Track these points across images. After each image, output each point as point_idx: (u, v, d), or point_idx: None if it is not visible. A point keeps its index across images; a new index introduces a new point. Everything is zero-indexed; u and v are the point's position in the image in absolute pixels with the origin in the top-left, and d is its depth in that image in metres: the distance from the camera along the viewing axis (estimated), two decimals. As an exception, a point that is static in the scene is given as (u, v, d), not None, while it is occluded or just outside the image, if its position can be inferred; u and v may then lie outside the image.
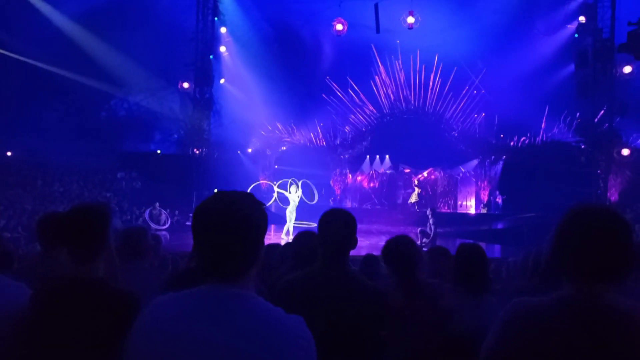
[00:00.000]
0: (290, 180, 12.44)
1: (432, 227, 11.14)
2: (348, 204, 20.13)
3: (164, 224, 14.64)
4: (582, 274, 1.12)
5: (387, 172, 21.59)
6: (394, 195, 21.30)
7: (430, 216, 11.41)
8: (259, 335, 1.00)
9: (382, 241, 13.09)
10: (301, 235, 2.57)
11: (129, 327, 1.08)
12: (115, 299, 1.38)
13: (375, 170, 21.82)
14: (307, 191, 12.74)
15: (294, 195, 12.03)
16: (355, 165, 21.52)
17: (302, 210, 12.41)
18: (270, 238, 12.21)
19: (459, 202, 20.15)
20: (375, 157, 22.36)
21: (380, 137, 20.42)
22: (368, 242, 12.46)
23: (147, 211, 14.61)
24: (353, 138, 20.77)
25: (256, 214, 1.13)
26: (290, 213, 11.81)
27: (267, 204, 14.04)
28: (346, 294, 1.76)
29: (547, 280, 2.26)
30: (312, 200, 13.01)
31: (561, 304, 1.11)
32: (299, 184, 12.55)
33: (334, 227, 1.83)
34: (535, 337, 1.09)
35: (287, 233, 11.53)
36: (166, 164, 17.68)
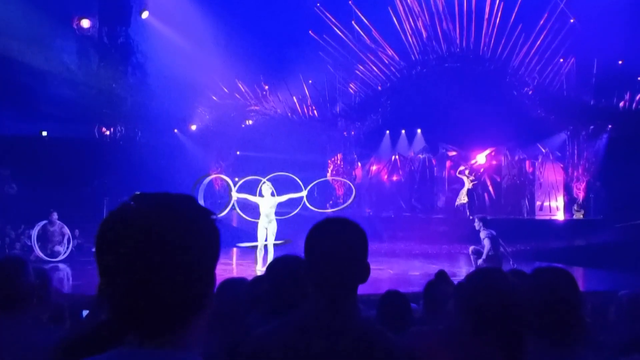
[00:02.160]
0: (264, 181, 12.48)
1: (489, 245, 11.34)
2: (357, 211, 19.96)
3: (60, 252, 14.52)
4: None
5: (420, 156, 21.73)
6: (431, 193, 21.41)
7: (480, 229, 11.63)
8: None
9: (413, 269, 12.93)
10: (279, 264, 2.71)
11: None
12: None
13: (400, 155, 22.00)
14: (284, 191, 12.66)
15: (267, 201, 11.96)
16: (367, 147, 21.51)
17: (283, 224, 12.41)
18: (229, 270, 12.18)
19: (538, 202, 20.22)
20: (399, 133, 22.39)
21: (406, 99, 20.34)
22: (391, 272, 12.57)
23: (37, 228, 14.42)
24: (363, 103, 20.76)
25: (199, 231, 1.20)
26: (265, 229, 11.92)
27: (219, 214, 14.13)
28: None
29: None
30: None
31: None
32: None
33: (330, 248, 1.93)
34: None
35: (264, 261, 11.58)
36: (57, 153, 17.49)
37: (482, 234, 11.61)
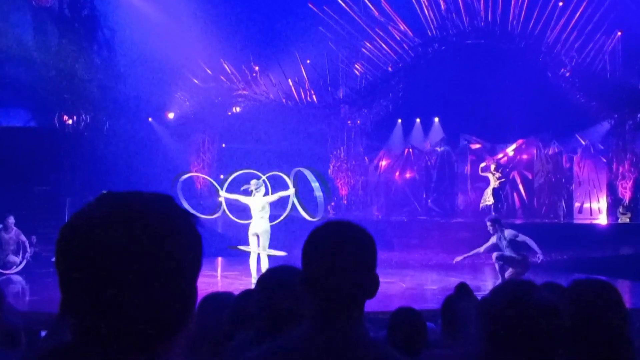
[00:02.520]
0: (263, 178, 12.48)
1: (507, 249, 11.64)
2: (364, 214, 19.98)
3: (16, 263, 14.52)
4: None
5: (438, 149, 21.77)
6: (450, 193, 21.42)
7: (492, 231, 11.88)
8: None
9: (429, 282, 12.98)
10: (271, 276, 2.71)
11: None
12: None
13: (414, 148, 21.97)
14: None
15: (257, 200, 12.00)
16: (375, 138, 21.54)
17: (277, 228, 12.51)
18: (213, 283, 12.31)
19: (577, 204, 20.26)
20: (413, 122, 22.41)
21: (422, 83, 20.29)
22: (403, 286, 12.54)
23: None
24: (370, 86, 20.75)
25: (178, 238, 1.20)
26: (255, 235, 11.93)
27: (211, 216, 14.11)
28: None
29: None
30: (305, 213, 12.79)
31: None
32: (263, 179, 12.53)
33: (331, 257, 1.94)
34: None
35: (258, 272, 11.54)
36: (10, 146, 17.52)
37: (494, 238, 11.81)
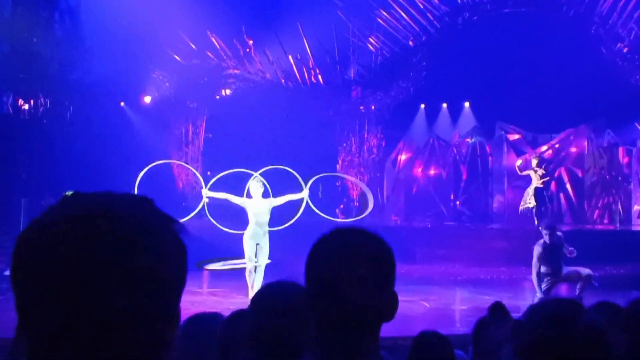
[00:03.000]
0: (255, 175, 12.52)
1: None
2: (380, 219, 19.98)
3: None
4: None
5: (469, 140, 21.77)
6: (483, 193, 21.42)
7: (549, 240, 11.78)
8: None
9: (458, 302, 12.89)
10: (268, 294, 2.72)
11: None
12: None
13: (440, 139, 21.93)
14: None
15: (258, 203, 11.96)
16: (393, 127, 21.48)
17: (277, 236, 12.49)
18: (199, 302, 12.21)
19: (636, 207, 20.29)
20: (439, 108, 22.30)
21: (449, 60, 20.34)
22: (427, 306, 12.52)
23: None
24: (387, 64, 20.71)
25: (157, 248, 1.19)
26: (254, 244, 11.88)
27: (184, 218, 14.07)
28: None
29: None
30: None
31: None
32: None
33: (340, 272, 1.92)
34: None
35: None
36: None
37: (539, 248, 11.84)
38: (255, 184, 12.12)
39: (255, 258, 11.88)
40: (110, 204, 1.20)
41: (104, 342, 1.15)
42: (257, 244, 11.89)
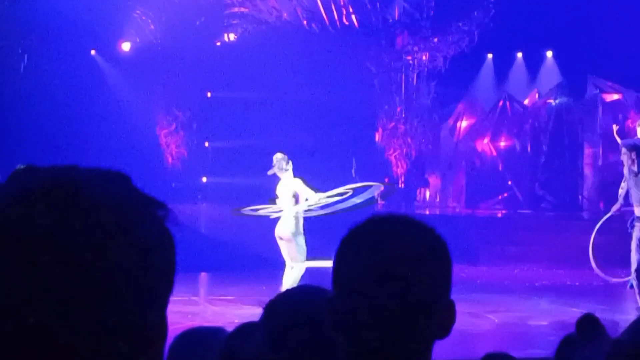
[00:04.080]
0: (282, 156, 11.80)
1: None
2: (432, 205, 19.55)
3: None
4: None
5: (552, 102, 20.61)
6: (572, 172, 20.15)
7: (633, 164, 11.36)
8: None
9: (536, 315, 12.83)
10: (287, 302, 2.69)
11: None
12: None
13: (512, 99, 21.01)
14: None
15: (284, 185, 11.63)
16: (451, 84, 20.31)
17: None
18: (195, 312, 11.91)
19: None
20: (513, 58, 21.19)
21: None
22: (495, 320, 12.22)
23: None
24: (443, 2, 19.00)
25: (136, 239, 1.16)
26: (280, 239, 11.64)
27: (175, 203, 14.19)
28: None
29: None
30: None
31: None
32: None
33: (377, 273, 1.85)
34: None
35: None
36: None
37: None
38: (281, 159, 11.78)
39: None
40: (74, 180, 1.12)
41: (67, 356, 1.08)
42: (280, 238, 11.71)
